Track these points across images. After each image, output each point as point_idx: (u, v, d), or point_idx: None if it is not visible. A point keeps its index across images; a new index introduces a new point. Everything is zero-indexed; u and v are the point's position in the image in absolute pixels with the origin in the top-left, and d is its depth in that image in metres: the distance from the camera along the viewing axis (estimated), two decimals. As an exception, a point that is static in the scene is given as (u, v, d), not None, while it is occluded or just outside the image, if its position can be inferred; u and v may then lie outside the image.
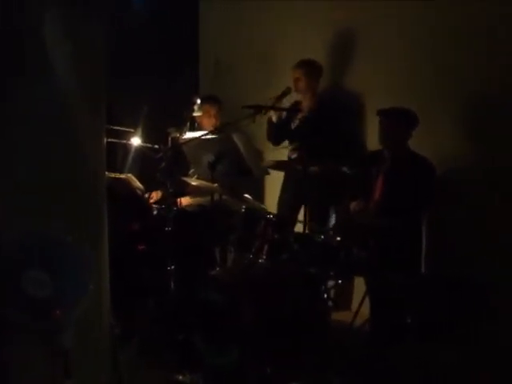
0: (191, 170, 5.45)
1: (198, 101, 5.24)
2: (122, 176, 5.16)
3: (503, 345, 4.00)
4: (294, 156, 5.31)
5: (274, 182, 5.61)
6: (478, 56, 4.53)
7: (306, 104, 5.38)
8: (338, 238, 4.08)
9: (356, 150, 5.27)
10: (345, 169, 4.66)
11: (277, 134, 5.46)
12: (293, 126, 5.42)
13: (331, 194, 5.17)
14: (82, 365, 2.86)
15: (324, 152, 4.86)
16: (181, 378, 3.74)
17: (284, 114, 5.37)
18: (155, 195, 5.33)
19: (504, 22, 4.33)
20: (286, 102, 5.34)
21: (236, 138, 4.41)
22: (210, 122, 5.58)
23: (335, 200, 5.26)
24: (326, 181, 4.78)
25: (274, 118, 5.31)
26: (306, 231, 4.30)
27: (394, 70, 5.12)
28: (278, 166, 4.76)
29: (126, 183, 5.14)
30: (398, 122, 4.48)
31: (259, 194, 6.08)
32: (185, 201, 5.34)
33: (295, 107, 5.39)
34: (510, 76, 4.35)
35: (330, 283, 4.35)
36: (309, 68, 5.30)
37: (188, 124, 5.34)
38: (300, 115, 5.37)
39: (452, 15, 4.65)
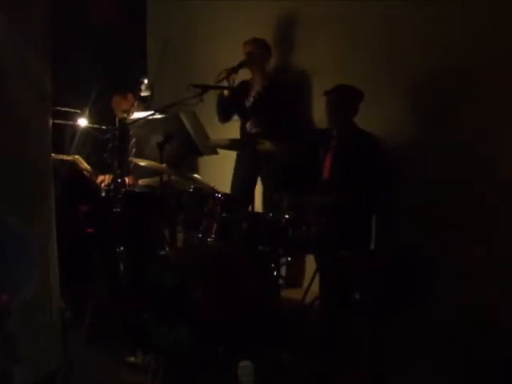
0: (133, 150, 5.42)
1: (146, 81, 5.20)
2: (69, 158, 5.10)
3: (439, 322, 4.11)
4: (254, 131, 5.31)
5: (224, 162, 5.60)
6: (425, 31, 4.60)
7: (257, 81, 5.39)
8: (287, 216, 4.10)
9: (306, 127, 5.31)
10: (295, 145, 4.71)
11: (228, 110, 5.45)
12: (247, 103, 5.42)
13: (284, 172, 5.21)
14: (32, 349, 2.84)
15: (276, 129, 4.89)
16: (133, 359, 3.73)
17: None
18: (105, 178, 5.28)
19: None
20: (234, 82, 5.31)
21: (184, 118, 4.38)
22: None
23: (287, 177, 5.29)
24: (279, 158, 4.79)
25: (226, 93, 5.30)
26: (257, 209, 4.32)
27: (341, 48, 5.16)
28: (231, 144, 4.75)
29: (74, 165, 5.08)
30: (342, 98, 4.51)
31: (209, 174, 6.08)
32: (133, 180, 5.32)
33: (242, 86, 5.38)
34: (456, 51, 4.45)
35: (281, 261, 4.38)
36: (260, 44, 5.33)
37: (136, 104, 5.31)
38: (253, 92, 5.38)
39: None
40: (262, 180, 5.32)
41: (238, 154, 5.50)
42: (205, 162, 6.08)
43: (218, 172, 5.65)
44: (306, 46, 5.48)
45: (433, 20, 4.56)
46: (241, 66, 5.11)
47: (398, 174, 4.62)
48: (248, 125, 5.33)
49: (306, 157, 4.82)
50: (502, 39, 4.23)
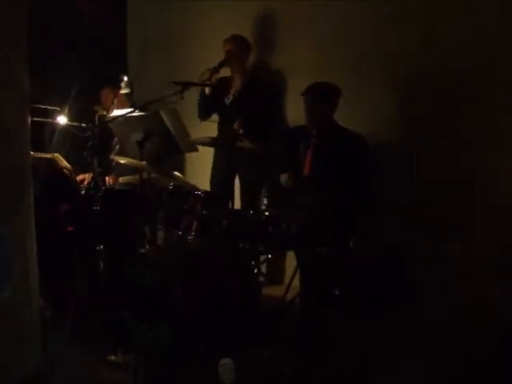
0: (116, 148, 5.40)
1: (125, 78, 5.19)
2: (49, 156, 5.08)
3: (423, 318, 4.12)
4: (242, 131, 5.29)
5: (204, 159, 5.60)
6: (408, 29, 4.63)
7: (236, 79, 5.39)
8: (267, 213, 4.10)
9: (285, 125, 5.32)
10: (274, 143, 4.71)
11: (208, 108, 5.45)
12: (227, 101, 5.42)
13: (262, 169, 5.21)
14: (11, 349, 2.83)
15: (255, 127, 4.89)
16: (113, 358, 3.72)
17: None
18: (85, 177, 5.26)
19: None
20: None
21: (164, 115, 4.37)
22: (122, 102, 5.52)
23: (266, 174, 5.30)
24: (257, 155, 4.80)
25: (208, 91, 5.29)
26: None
27: (322, 46, 5.18)
28: (210, 142, 4.75)
29: (53, 163, 5.06)
30: (320, 96, 4.51)
31: (188, 171, 6.08)
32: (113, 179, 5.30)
33: (221, 83, 5.38)
34: (441, 48, 4.47)
35: (262, 258, 4.39)
36: (239, 42, 5.32)
37: (115, 101, 5.29)
38: (233, 90, 5.38)
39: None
40: (239, 177, 5.32)
41: (215, 152, 5.50)
42: (191, 159, 6.07)
43: (205, 169, 5.67)
44: (286, 44, 5.50)
45: (418, 18, 4.58)
46: (221, 65, 5.11)
47: (383, 172, 4.63)
48: (236, 125, 5.34)
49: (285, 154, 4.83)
50: (486, 37, 4.26)
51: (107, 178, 5.41)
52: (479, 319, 3.99)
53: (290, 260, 5.03)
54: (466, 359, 3.69)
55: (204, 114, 5.49)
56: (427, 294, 4.33)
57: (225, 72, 5.35)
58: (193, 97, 5.20)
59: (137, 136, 4.45)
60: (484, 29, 4.24)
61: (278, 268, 5.33)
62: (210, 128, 5.40)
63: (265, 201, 5.21)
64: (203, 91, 5.31)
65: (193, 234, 4.17)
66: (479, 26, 4.26)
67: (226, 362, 3.40)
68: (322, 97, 4.51)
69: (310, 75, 4.93)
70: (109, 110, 5.17)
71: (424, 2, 4.56)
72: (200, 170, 5.63)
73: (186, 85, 4.45)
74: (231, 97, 5.40)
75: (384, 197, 4.63)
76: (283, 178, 4.69)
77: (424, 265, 4.42)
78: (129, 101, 5.62)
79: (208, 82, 5.02)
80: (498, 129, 4.21)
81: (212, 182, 5.48)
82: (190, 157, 5.89)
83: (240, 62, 5.35)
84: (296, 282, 4.32)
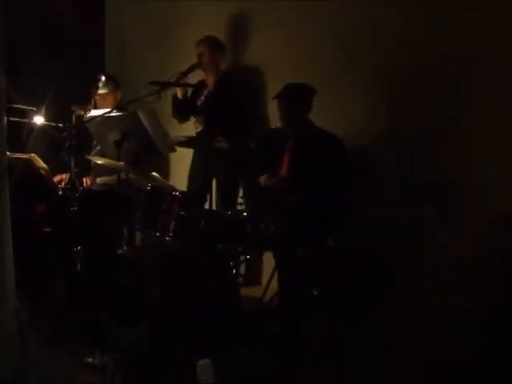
0: (95, 149, 5.38)
1: (103, 78, 5.17)
2: (25, 156, 5.04)
3: (401, 315, 4.14)
4: (199, 129, 5.32)
5: (182, 159, 5.59)
6: (387, 29, 4.64)
7: (210, 80, 5.38)
8: (245, 214, 4.10)
9: (259, 126, 5.32)
10: (251, 144, 4.70)
11: (182, 111, 5.45)
12: (199, 102, 5.42)
13: (239, 169, 5.22)
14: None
15: (230, 127, 4.89)
16: (91, 360, 3.69)
17: (189, 90, 5.36)
18: (62, 178, 5.22)
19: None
20: (191, 80, 5.30)
21: (141, 116, 4.36)
22: (105, 102, 5.47)
23: (243, 175, 5.30)
24: (234, 156, 4.80)
25: (179, 94, 5.29)
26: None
27: (297, 45, 5.19)
28: (187, 142, 4.74)
29: (29, 163, 5.02)
30: (294, 98, 4.49)
31: (167, 172, 6.06)
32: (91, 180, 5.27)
33: (199, 85, 5.37)
34: (420, 49, 4.49)
35: (240, 259, 4.38)
36: (212, 43, 5.32)
37: (92, 102, 5.26)
38: (205, 91, 5.37)
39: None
40: (215, 178, 5.33)
41: (193, 152, 5.49)
42: (176, 160, 6.04)
43: (173, 168, 5.67)
44: (261, 43, 5.49)
45: (393, 18, 4.60)
46: (192, 68, 5.14)
47: (363, 173, 4.65)
48: (194, 122, 5.34)
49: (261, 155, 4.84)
50: (456, 39, 4.30)
51: (84, 179, 5.37)
52: (461, 318, 4.02)
53: (267, 260, 5.03)
54: (444, 359, 3.72)
55: (181, 117, 5.51)
56: (408, 294, 4.35)
57: (201, 75, 5.35)
58: (169, 97, 5.20)
59: (114, 136, 4.42)
60: (470, 29, 4.26)
61: (255, 268, 5.33)
62: (191, 128, 5.41)
63: (240, 201, 5.21)
64: (175, 95, 5.31)
65: (170, 234, 4.17)
66: (465, 26, 4.29)
67: (204, 363, 3.39)
68: (295, 99, 4.50)
69: (287, 75, 4.94)
70: (86, 110, 5.13)
71: (399, 2, 4.59)
72: (185, 170, 5.60)
73: (162, 85, 4.44)
74: (203, 98, 5.40)
75: (367, 197, 4.65)
76: (262, 178, 4.69)
77: (405, 265, 4.44)
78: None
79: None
80: (484, 129, 4.22)
81: (190, 182, 5.48)
82: (175, 158, 5.87)
83: (213, 64, 5.33)
84: (274, 283, 4.33)
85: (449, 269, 4.29)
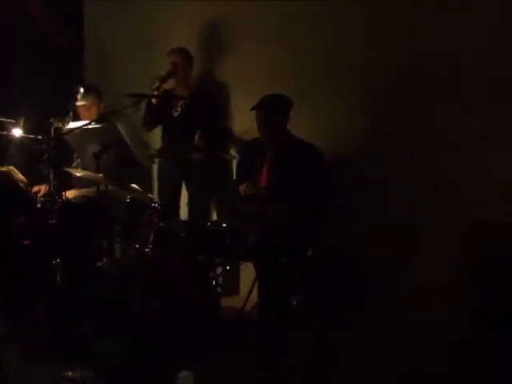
0: (76, 161, 5.35)
1: (82, 89, 5.15)
2: (3, 168, 5.01)
3: (384, 318, 4.16)
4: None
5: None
6: (369, 38, 4.67)
7: (181, 91, 5.42)
8: (224, 224, 4.11)
9: (235, 137, 5.38)
10: (229, 156, 4.72)
11: (155, 119, 5.46)
12: (175, 113, 5.43)
13: (212, 181, 5.24)
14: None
15: (206, 139, 4.92)
16: (71, 374, 3.66)
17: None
18: (40, 189, 5.19)
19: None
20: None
21: (120, 127, 4.36)
22: (89, 114, 5.46)
23: (217, 186, 5.33)
24: (207, 168, 4.82)
25: (155, 101, 5.30)
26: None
27: (270, 52, 5.22)
28: (160, 153, 4.76)
29: (8, 176, 4.99)
30: (270, 110, 4.50)
31: (149, 184, 6.05)
32: (70, 193, 5.24)
33: (167, 96, 5.39)
34: (402, 57, 4.53)
35: (219, 269, 4.38)
36: (184, 54, 5.39)
37: (71, 114, 5.24)
38: (181, 102, 5.39)
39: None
40: (187, 188, 5.34)
41: (160, 162, 5.51)
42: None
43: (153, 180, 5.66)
44: (234, 50, 5.52)
45: (373, 20, 4.64)
46: (170, 75, 5.19)
47: (344, 179, 4.68)
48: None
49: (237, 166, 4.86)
50: (442, 38, 4.34)
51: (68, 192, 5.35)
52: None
53: (246, 270, 5.03)
54: (428, 359, 3.75)
55: (150, 125, 5.52)
56: (390, 299, 4.36)
57: (168, 84, 5.37)
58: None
59: (94, 148, 4.41)
60: (448, 28, 4.30)
61: (233, 278, 5.33)
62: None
63: (215, 211, 5.24)
64: (150, 102, 5.31)
65: (150, 246, 4.17)
66: (440, 26, 4.34)
67: (185, 375, 3.38)
68: (273, 111, 4.51)
69: (263, 82, 5.02)
70: (64, 122, 5.11)
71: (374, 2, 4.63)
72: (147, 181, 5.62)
73: (140, 97, 4.45)
74: (179, 109, 5.40)
75: (351, 203, 4.68)
76: (241, 188, 4.69)
77: (386, 270, 4.46)
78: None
79: (156, 93, 5.09)
80: (459, 129, 4.27)
81: (159, 193, 5.49)
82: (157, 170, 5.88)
83: (184, 74, 5.39)
84: (253, 293, 4.33)
85: (432, 271, 4.32)
